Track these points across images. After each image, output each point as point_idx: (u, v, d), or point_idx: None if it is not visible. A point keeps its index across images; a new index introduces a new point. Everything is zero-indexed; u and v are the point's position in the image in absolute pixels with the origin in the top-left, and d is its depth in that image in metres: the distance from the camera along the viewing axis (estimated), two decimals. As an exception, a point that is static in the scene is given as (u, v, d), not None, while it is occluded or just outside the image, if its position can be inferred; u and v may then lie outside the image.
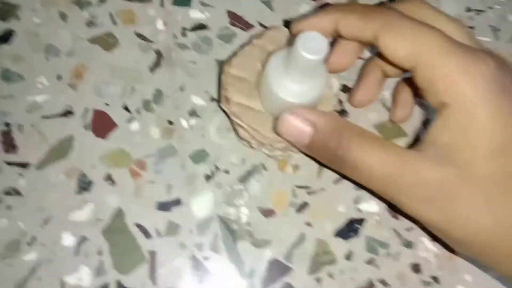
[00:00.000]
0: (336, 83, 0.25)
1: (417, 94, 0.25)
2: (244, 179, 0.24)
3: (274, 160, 0.25)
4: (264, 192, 0.24)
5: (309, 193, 0.25)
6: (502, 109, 0.18)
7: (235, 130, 0.24)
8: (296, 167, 0.25)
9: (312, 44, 0.19)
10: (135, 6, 0.27)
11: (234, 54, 0.24)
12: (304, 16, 0.23)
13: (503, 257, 0.19)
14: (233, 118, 0.23)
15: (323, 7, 0.23)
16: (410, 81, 0.25)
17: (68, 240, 0.22)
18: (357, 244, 0.24)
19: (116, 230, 0.22)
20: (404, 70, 0.21)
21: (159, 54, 0.26)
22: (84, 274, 0.21)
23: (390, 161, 0.19)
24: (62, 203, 0.22)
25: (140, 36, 0.26)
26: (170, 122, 0.25)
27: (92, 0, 0.27)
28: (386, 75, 0.25)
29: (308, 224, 0.24)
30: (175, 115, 0.25)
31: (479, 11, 0.32)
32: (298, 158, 0.25)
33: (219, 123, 0.25)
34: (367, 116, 0.27)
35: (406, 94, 0.26)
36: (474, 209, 0.19)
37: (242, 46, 0.25)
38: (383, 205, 0.25)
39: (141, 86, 0.25)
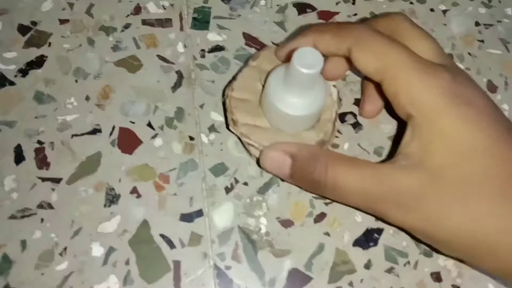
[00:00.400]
0: (335, 91, 0.26)
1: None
2: (262, 190, 0.25)
3: None
4: (282, 203, 0.25)
5: (326, 203, 0.25)
6: (462, 116, 0.20)
7: (246, 149, 0.25)
8: (313, 179, 0.26)
9: (307, 59, 0.21)
10: (156, 30, 0.29)
11: (234, 78, 0.26)
12: (286, 40, 0.24)
13: (482, 253, 0.20)
14: (243, 138, 0.24)
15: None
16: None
17: (97, 250, 0.23)
18: (376, 253, 0.24)
19: (142, 241, 0.23)
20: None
21: (180, 74, 0.28)
22: (112, 283, 0.22)
23: (366, 177, 0.21)
24: (91, 215, 0.23)
25: (162, 58, 0.28)
26: (191, 138, 0.26)
27: (117, 26, 0.29)
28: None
29: (327, 234, 0.24)
30: (195, 131, 0.26)
31: (488, 25, 0.32)
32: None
33: (237, 138, 0.26)
34: (381, 128, 0.27)
35: (372, 89, 0.26)
36: (448, 209, 0.20)
37: (240, 70, 0.26)
38: (400, 214, 0.25)
39: (163, 105, 0.27)
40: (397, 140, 0.27)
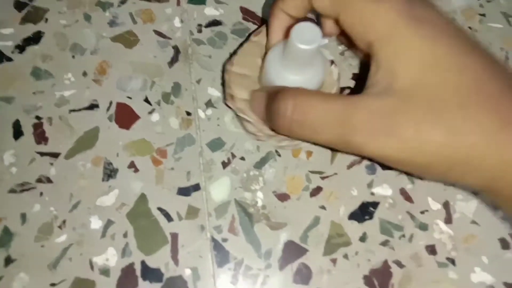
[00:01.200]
0: (336, 71, 0.25)
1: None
2: (259, 165, 0.25)
3: (283, 150, 0.26)
4: (279, 178, 0.25)
5: (322, 178, 0.25)
6: (420, 34, 0.20)
7: (242, 125, 0.25)
8: (309, 153, 0.26)
9: (306, 35, 0.20)
10: (153, 5, 0.29)
11: (235, 52, 0.26)
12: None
13: (462, 169, 0.20)
14: (239, 114, 0.24)
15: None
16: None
17: (96, 223, 0.23)
18: (371, 226, 0.25)
19: (139, 214, 0.23)
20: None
21: (176, 49, 0.27)
22: (111, 255, 0.22)
23: (337, 109, 0.20)
24: (89, 189, 0.24)
25: (158, 33, 0.28)
26: (188, 113, 0.26)
27: (114, 1, 0.29)
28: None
29: (323, 208, 0.25)
30: (192, 106, 0.26)
31: (490, -1, 0.32)
32: (311, 145, 0.26)
33: (234, 113, 0.26)
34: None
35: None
36: (424, 129, 0.19)
37: (241, 44, 0.26)
38: (396, 188, 0.25)
39: (160, 80, 0.27)
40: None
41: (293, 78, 0.22)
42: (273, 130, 0.23)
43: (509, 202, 0.20)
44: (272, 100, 0.22)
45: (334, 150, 0.26)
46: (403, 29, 0.20)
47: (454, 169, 0.20)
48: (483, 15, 0.31)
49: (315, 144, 0.24)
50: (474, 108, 0.19)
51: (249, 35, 0.27)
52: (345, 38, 0.26)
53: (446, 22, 0.21)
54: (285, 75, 0.22)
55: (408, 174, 0.25)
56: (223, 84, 0.26)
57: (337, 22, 0.22)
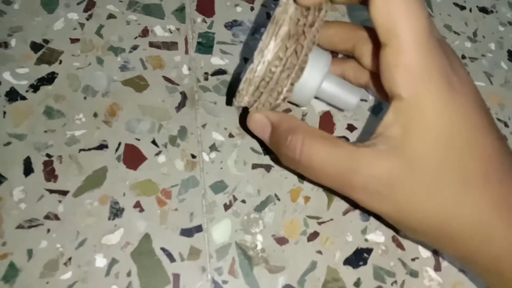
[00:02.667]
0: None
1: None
2: (259, 208, 0.26)
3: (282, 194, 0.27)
4: (278, 221, 0.26)
5: (319, 223, 0.27)
6: (449, 104, 0.20)
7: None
8: (307, 199, 0.27)
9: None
10: (163, 53, 0.30)
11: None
12: None
13: (445, 240, 0.21)
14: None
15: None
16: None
17: (101, 261, 0.24)
18: (365, 272, 0.26)
19: (143, 253, 0.24)
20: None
21: (184, 95, 0.29)
22: (114, 293, 0.23)
23: (341, 159, 0.21)
24: (95, 227, 0.24)
25: (167, 79, 0.29)
26: (193, 156, 0.27)
27: (126, 47, 0.30)
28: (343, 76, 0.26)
29: (319, 252, 0.26)
30: (197, 149, 0.28)
31: (473, 59, 0.35)
32: (309, 189, 0.27)
33: (236, 157, 0.28)
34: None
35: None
36: (419, 197, 0.20)
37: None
38: (389, 235, 0.27)
39: (168, 124, 0.28)
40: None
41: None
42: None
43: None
44: (279, 136, 0.23)
45: (332, 192, 0.27)
46: (436, 95, 0.20)
47: (442, 239, 0.21)
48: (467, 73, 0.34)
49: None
50: (474, 186, 0.20)
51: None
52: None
53: (474, 92, 0.21)
54: None
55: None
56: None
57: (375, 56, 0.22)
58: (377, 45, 0.21)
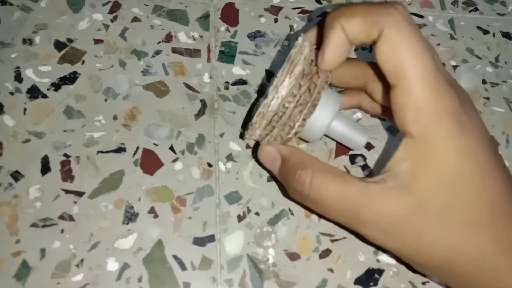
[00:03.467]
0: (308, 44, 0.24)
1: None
2: (272, 222, 0.26)
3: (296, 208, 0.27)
4: (290, 236, 0.26)
5: (332, 240, 0.26)
6: (460, 146, 0.20)
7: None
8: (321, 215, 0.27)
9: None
10: (185, 59, 0.31)
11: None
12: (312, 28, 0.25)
13: (452, 277, 0.21)
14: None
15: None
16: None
17: (112, 265, 0.24)
18: (375, 293, 0.25)
19: (155, 260, 0.24)
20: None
21: (204, 103, 0.29)
22: (124, 299, 0.23)
23: (350, 195, 0.21)
24: (109, 231, 0.24)
25: (188, 86, 0.30)
26: (210, 165, 0.27)
27: (149, 51, 0.30)
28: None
29: (330, 270, 0.26)
30: (214, 158, 0.28)
31: (494, 84, 0.34)
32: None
33: (252, 169, 0.28)
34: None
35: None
36: (427, 236, 0.20)
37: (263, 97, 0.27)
38: (400, 257, 0.27)
39: (186, 131, 0.28)
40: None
41: None
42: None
43: None
44: (289, 169, 0.23)
45: (341, 227, 0.27)
46: (448, 136, 0.20)
47: (450, 276, 0.22)
48: (487, 98, 0.34)
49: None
50: (481, 228, 0.20)
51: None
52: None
53: (485, 135, 0.21)
54: None
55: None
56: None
57: (386, 92, 0.23)
58: (387, 83, 0.21)
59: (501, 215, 0.20)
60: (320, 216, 0.27)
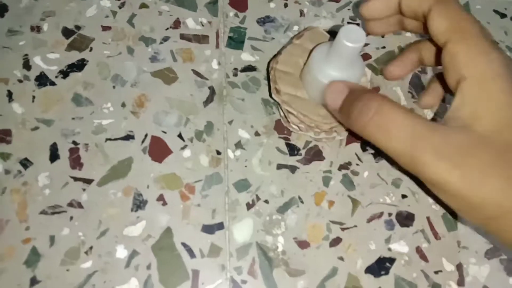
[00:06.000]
0: (369, 72, 0.28)
1: (446, 89, 0.28)
2: (282, 210, 0.26)
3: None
4: (300, 224, 0.26)
5: (342, 229, 0.26)
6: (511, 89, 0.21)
7: (285, 117, 0.27)
8: (331, 203, 0.27)
9: (353, 35, 0.23)
10: (193, 46, 0.30)
11: (279, 53, 0.28)
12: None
13: (504, 224, 0.20)
14: (284, 106, 0.27)
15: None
16: (441, 78, 0.28)
17: (121, 253, 0.23)
18: (386, 282, 0.25)
19: (164, 247, 0.24)
20: (438, 47, 0.24)
21: (212, 90, 0.29)
22: (133, 286, 0.23)
23: (416, 124, 0.21)
24: (118, 218, 0.24)
25: (196, 73, 0.29)
26: (218, 152, 0.27)
27: (157, 38, 0.30)
28: (421, 61, 0.28)
29: (341, 259, 0.25)
30: (223, 146, 0.27)
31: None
32: (334, 194, 0.27)
33: (261, 156, 0.27)
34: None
35: (436, 85, 0.29)
36: (489, 171, 0.20)
37: (285, 46, 0.29)
38: (413, 246, 0.26)
39: (195, 118, 0.28)
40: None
41: (334, 74, 0.25)
42: (340, 123, 0.26)
43: None
44: (356, 96, 0.23)
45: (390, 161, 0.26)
46: (499, 79, 0.21)
47: (503, 218, 0.20)
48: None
49: (379, 150, 0.24)
50: None
51: (292, 38, 0.30)
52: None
53: None
54: (327, 71, 0.25)
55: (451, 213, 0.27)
56: (268, 80, 0.29)
57: (437, 50, 0.25)
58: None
59: None
60: (374, 148, 0.27)
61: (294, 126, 0.27)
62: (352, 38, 0.23)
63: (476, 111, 0.21)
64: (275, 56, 0.29)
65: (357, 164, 0.28)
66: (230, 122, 0.28)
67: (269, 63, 0.30)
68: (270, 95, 0.28)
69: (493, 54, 0.21)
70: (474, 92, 0.21)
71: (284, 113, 0.27)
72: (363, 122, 0.22)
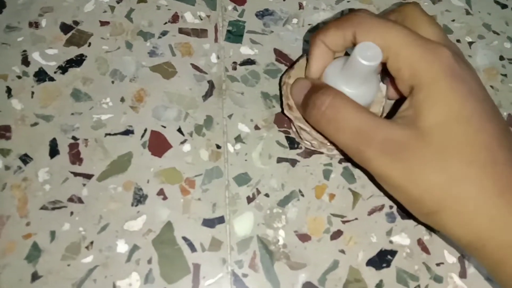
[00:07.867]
0: (384, 87, 0.27)
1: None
2: (282, 203, 0.26)
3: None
4: (301, 217, 0.26)
5: (343, 222, 0.26)
6: (455, 89, 0.21)
7: (297, 133, 0.27)
8: (332, 196, 0.26)
9: (368, 53, 0.22)
10: (192, 40, 0.30)
11: (291, 67, 0.28)
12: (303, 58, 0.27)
13: (448, 217, 0.21)
14: (296, 122, 0.26)
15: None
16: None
17: (122, 247, 0.23)
18: (388, 274, 0.25)
19: (165, 241, 0.24)
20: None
21: (211, 84, 0.29)
22: (134, 280, 0.23)
23: (364, 119, 0.22)
24: (118, 213, 0.24)
25: (195, 67, 0.29)
26: (218, 146, 0.27)
27: (155, 32, 0.30)
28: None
29: (342, 252, 0.25)
30: (222, 140, 0.27)
31: (511, 60, 0.33)
32: (334, 187, 0.27)
33: (261, 150, 0.27)
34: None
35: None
36: (429, 166, 0.21)
37: (297, 60, 0.28)
38: (414, 238, 0.26)
39: (194, 112, 0.28)
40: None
41: (348, 91, 0.24)
42: (304, 119, 0.26)
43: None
44: (313, 91, 0.24)
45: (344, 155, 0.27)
46: (443, 81, 0.21)
47: (442, 213, 0.21)
48: (505, 75, 0.32)
49: (334, 144, 0.26)
50: (480, 168, 0.20)
51: (305, 53, 0.29)
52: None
53: (479, 86, 0.23)
54: (341, 87, 0.24)
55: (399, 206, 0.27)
56: (280, 96, 0.29)
57: (383, 64, 0.24)
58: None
59: (499, 158, 0.21)
60: (330, 142, 0.26)
61: (307, 142, 0.27)
62: (367, 56, 0.22)
63: (420, 111, 0.22)
64: (287, 70, 0.29)
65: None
66: (230, 116, 0.28)
67: (281, 78, 0.29)
68: (282, 111, 0.28)
69: (435, 56, 0.22)
70: (421, 96, 0.22)
71: (296, 129, 0.27)
72: (317, 116, 0.24)
